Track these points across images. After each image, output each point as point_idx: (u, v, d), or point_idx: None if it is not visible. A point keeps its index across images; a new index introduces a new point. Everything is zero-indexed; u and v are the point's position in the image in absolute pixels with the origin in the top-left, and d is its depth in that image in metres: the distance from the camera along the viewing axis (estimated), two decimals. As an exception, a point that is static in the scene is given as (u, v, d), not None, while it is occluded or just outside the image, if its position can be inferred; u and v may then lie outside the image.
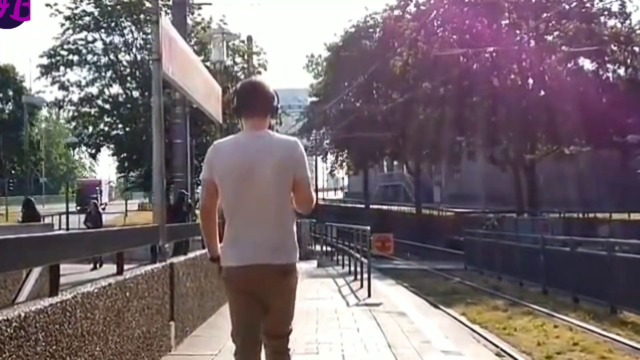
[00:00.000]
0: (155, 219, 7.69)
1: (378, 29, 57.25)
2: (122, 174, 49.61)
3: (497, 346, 10.24)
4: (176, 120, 22.44)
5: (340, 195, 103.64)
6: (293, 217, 4.29)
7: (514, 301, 15.80)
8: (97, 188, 61.84)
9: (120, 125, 43.13)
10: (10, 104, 71.28)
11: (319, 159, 69.99)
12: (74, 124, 45.16)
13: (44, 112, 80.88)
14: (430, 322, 10.00)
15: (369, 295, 12.92)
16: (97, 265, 19.05)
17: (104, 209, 53.99)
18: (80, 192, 52.55)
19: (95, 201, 20.53)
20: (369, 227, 15.30)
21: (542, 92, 43.91)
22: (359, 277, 15.44)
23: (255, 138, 4.22)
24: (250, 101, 4.27)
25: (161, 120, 7.75)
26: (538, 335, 11.29)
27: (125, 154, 43.70)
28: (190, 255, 9.19)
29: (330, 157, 67.74)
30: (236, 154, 4.19)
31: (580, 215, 38.44)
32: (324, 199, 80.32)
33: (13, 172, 69.36)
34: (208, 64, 27.80)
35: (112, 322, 5.45)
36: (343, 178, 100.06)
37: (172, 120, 22.58)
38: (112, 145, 43.80)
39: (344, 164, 67.76)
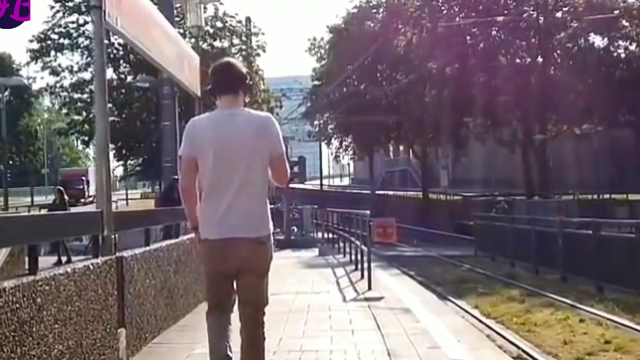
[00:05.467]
0: (99, 203, 6.23)
1: (381, 9, 55.68)
2: (120, 162, 48.19)
3: (517, 346, 8.81)
4: (164, 101, 20.86)
5: (346, 181, 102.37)
6: (267, 191, 4.52)
7: (531, 291, 14.31)
8: (83, 178, 59.52)
9: (116, 112, 41.75)
10: (6, 93, 69.77)
11: (323, 144, 68.56)
12: (65, 110, 43.77)
13: (47, 102, 79.25)
14: (439, 320, 8.51)
15: (369, 288, 11.45)
16: (62, 259, 17.36)
17: (92, 201, 52.33)
18: (63, 184, 50.20)
19: (62, 189, 18.92)
20: (368, 212, 13.86)
21: (552, 70, 42.38)
22: (360, 266, 13.99)
23: (231, 115, 4.40)
24: (224, 80, 4.46)
25: (104, 82, 6.31)
26: (562, 332, 9.84)
27: (121, 142, 42.36)
28: (152, 246, 7.74)
29: (335, 143, 66.20)
30: (214, 131, 4.36)
31: (595, 196, 36.88)
32: (329, 186, 79.02)
33: (11, 162, 67.97)
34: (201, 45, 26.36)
35: (7, 340, 4.02)
36: (349, 164, 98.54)
37: (160, 101, 21.20)
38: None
39: (349, 149, 66.25)
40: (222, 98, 4.45)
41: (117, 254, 6.47)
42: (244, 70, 4.55)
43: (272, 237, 4.54)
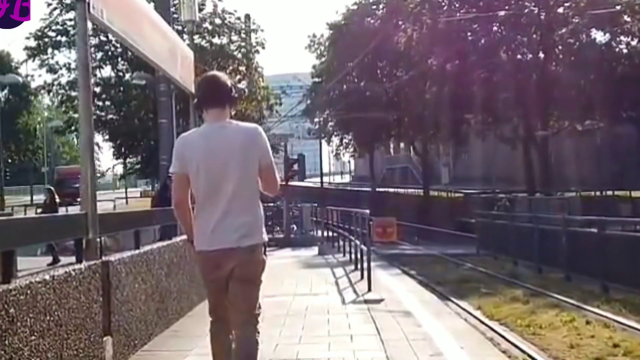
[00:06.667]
0: (83, 205, 5.92)
1: (381, 6, 55.28)
2: (119, 161, 47.86)
3: (522, 350, 8.50)
4: (161, 99, 20.57)
5: (347, 179, 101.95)
6: (259, 200, 4.58)
7: (535, 290, 13.99)
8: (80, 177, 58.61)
9: (114, 110, 41.45)
10: (5, 91, 69.40)
11: (323, 141, 68.08)
12: (63, 108, 43.35)
13: (47, 100, 78.75)
14: (441, 324, 8.19)
15: (369, 289, 11.15)
16: (56, 259, 17.07)
17: None
18: (60, 182, 48.82)
19: (52, 188, 18.58)
20: (368, 211, 13.52)
21: (553, 66, 41.99)
22: (359, 266, 13.68)
23: (220, 128, 4.51)
24: (210, 94, 4.57)
25: (89, 78, 6.01)
26: (569, 334, 9.52)
27: (120, 140, 42.04)
28: (142, 249, 7.43)
29: (335, 140, 65.74)
30: (204, 145, 4.45)
31: (598, 193, 36.51)
32: (329, 183, 78.63)
33: (10, 161, 67.58)
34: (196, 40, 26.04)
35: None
36: (349, 161, 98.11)
37: (157, 99, 20.89)
38: (106, 131, 41.98)
39: (349, 146, 65.85)
40: (209, 112, 4.56)
41: (104, 257, 6.19)
42: (229, 83, 4.67)
43: (264, 246, 4.60)
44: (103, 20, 6.34)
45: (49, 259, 17.48)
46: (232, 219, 4.39)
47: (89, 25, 6.34)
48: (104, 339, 5.81)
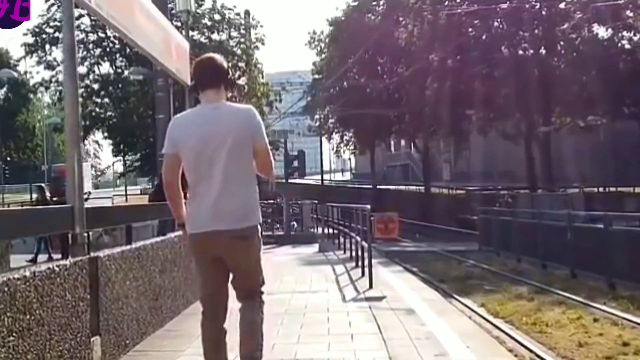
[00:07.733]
0: (70, 198, 5.63)
1: (382, 1, 55.00)
2: (118, 158, 47.62)
3: (529, 350, 8.22)
4: (158, 94, 20.23)
5: (347, 176, 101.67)
6: (254, 182, 4.50)
7: (539, 287, 13.73)
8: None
9: (113, 107, 41.19)
10: (4, 89, 69.12)
11: (324, 138, 67.72)
12: (62, 105, 43.07)
13: (47, 98, 78.43)
14: (445, 322, 7.86)
15: (370, 287, 10.85)
16: (37, 257, 16.75)
17: (87, 198, 51.48)
18: (56, 180, 48.41)
19: (43, 186, 18.29)
20: (368, 206, 13.20)
21: (555, 62, 41.66)
22: (360, 263, 13.37)
23: (214, 109, 4.44)
24: (205, 75, 4.52)
25: (74, 64, 5.72)
26: (576, 333, 9.26)
27: (119, 137, 41.80)
28: (135, 244, 7.13)
29: (336, 137, 65.39)
30: (197, 126, 4.40)
31: (601, 189, 36.20)
32: (330, 180, 78.38)
33: (9, 159, 67.31)
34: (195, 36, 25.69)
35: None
36: (350, 159, 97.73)
37: (154, 94, 20.59)
38: (104, 128, 41.73)
39: (350, 143, 65.50)
40: (205, 92, 4.50)
41: (92, 253, 5.89)
42: (226, 64, 4.62)
43: (259, 227, 4.54)
44: (90, 4, 6.06)
45: (45, 256, 17.14)
46: (226, 200, 4.33)
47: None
48: (92, 339, 5.52)
